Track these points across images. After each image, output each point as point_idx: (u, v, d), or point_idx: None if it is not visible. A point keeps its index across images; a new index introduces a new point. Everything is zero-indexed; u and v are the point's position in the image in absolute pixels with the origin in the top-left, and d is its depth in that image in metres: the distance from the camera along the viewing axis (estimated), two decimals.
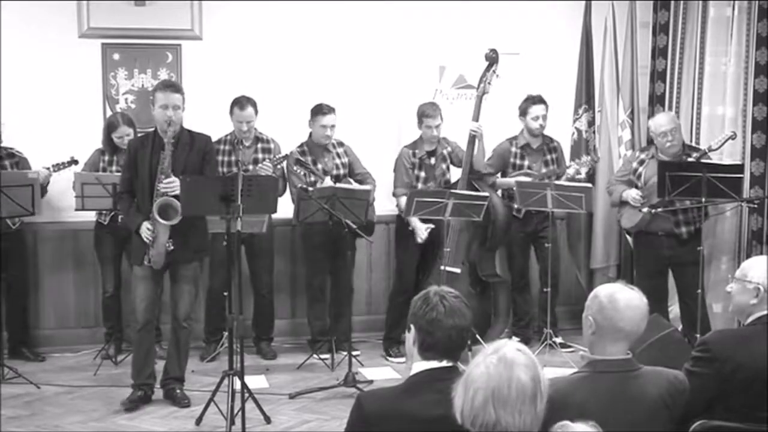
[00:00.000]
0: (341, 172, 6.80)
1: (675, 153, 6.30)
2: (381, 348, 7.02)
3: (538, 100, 6.94)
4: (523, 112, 6.96)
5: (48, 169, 6.36)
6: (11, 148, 6.47)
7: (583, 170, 6.99)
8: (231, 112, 6.63)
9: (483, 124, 6.73)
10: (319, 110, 6.70)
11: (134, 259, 5.61)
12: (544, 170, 6.96)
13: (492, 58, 6.78)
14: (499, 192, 7.01)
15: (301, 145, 6.78)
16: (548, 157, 7.04)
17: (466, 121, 6.75)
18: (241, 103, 6.59)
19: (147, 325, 5.60)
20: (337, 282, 6.84)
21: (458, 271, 6.60)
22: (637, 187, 6.49)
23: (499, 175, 7.05)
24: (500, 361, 2.33)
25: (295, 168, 6.59)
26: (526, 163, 7.00)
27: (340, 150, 6.88)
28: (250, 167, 6.55)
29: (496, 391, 2.29)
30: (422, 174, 6.81)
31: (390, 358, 6.79)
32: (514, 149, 7.02)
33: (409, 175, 6.80)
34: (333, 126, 6.71)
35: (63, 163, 6.41)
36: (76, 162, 6.48)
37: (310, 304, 6.99)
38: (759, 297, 3.46)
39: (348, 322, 6.31)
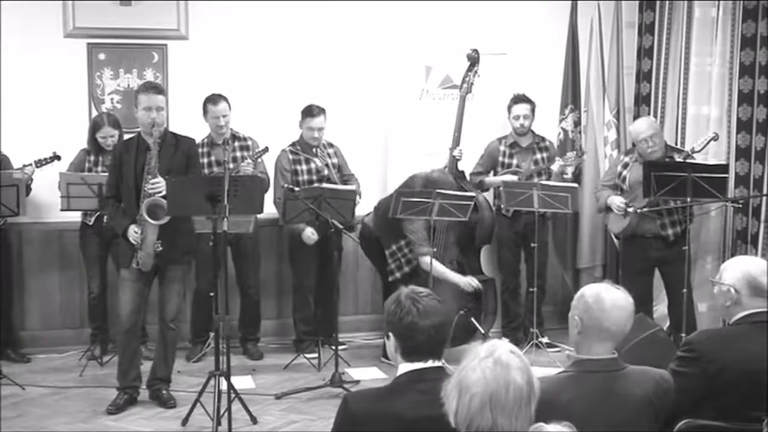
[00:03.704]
0: (332, 172, 6.81)
1: (657, 158, 6.31)
2: (367, 348, 7.04)
3: (520, 99, 6.95)
4: (508, 111, 6.99)
5: (31, 165, 6.32)
6: None
7: (569, 169, 6.99)
8: (204, 111, 6.61)
9: (467, 124, 6.74)
10: (308, 112, 6.71)
11: (122, 262, 5.59)
12: (533, 167, 6.96)
13: (474, 58, 6.79)
14: (491, 191, 7.02)
15: (293, 144, 6.78)
16: (538, 156, 7.03)
17: (452, 121, 6.76)
18: (213, 99, 6.58)
19: (132, 328, 5.58)
20: (324, 282, 6.84)
21: None
22: (621, 190, 6.51)
23: (491, 174, 7.06)
24: (496, 365, 2.33)
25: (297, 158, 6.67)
26: (515, 161, 7.00)
27: (330, 151, 6.88)
28: (231, 166, 6.53)
29: (493, 396, 2.29)
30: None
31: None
32: (502, 148, 7.02)
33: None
34: (321, 129, 6.73)
35: (45, 159, 6.35)
36: (58, 158, 6.41)
37: (297, 307, 6.97)
38: (732, 299, 3.48)
39: (334, 321, 6.31)
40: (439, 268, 6.38)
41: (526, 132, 6.98)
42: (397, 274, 6.54)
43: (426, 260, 6.33)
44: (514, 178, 6.82)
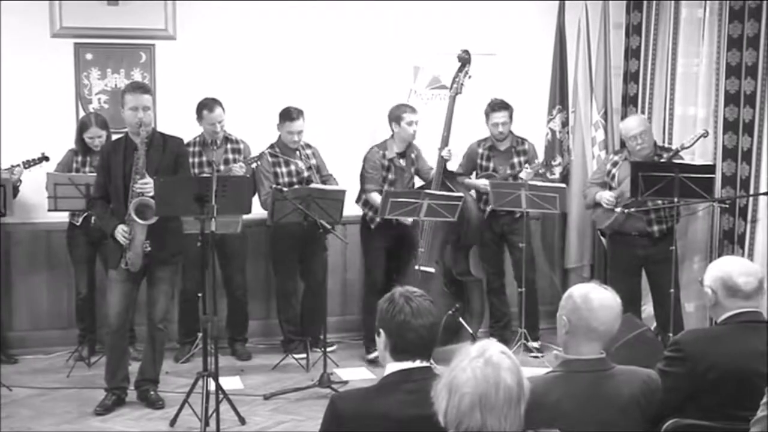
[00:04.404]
0: (313, 173, 6.80)
1: (646, 155, 6.37)
2: (355, 348, 7.04)
3: (499, 107, 6.89)
4: (486, 117, 6.96)
5: (19, 166, 6.30)
6: None
7: (557, 170, 7.00)
8: (199, 116, 6.61)
9: (456, 125, 6.75)
10: (287, 115, 6.69)
11: (110, 262, 5.58)
12: (509, 171, 6.97)
13: (464, 59, 6.78)
14: (472, 192, 7.04)
15: (272, 146, 6.77)
16: (515, 159, 7.00)
17: (441, 121, 6.77)
18: (208, 105, 6.58)
19: (120, 328, 5.58)
20: (311, 283, 6.84)
21: (432, 270, 6.63)
22: (611, 188, 6.54)
23: (473, 176, 7.08)
24: (487, 365, 2.33)
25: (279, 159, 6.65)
26: (492, 165, 7.00)
27: (309, 152, 6.87)
28: (222, 168, 6.53)
29: (483, 396, 2.29)
30: (390, 176, 6.79)
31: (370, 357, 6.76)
32: (481, 150, 7.02)
33: (380, 176, 6.79)
34: (300, 131, 6.71)
35: (33, 160, 6.34)
36: (47, 159, 6.40)
37: (281, 308, 6.96)
38: (710, 300, 3.51)
39: (322, 322, 6.32)
40: (378, 200, 6.53)
41: (506, 137, 6.98)
42: (378, 219, 6.64)
43: (371, 196, 6.63)
44: (487, 182, 6.82)
